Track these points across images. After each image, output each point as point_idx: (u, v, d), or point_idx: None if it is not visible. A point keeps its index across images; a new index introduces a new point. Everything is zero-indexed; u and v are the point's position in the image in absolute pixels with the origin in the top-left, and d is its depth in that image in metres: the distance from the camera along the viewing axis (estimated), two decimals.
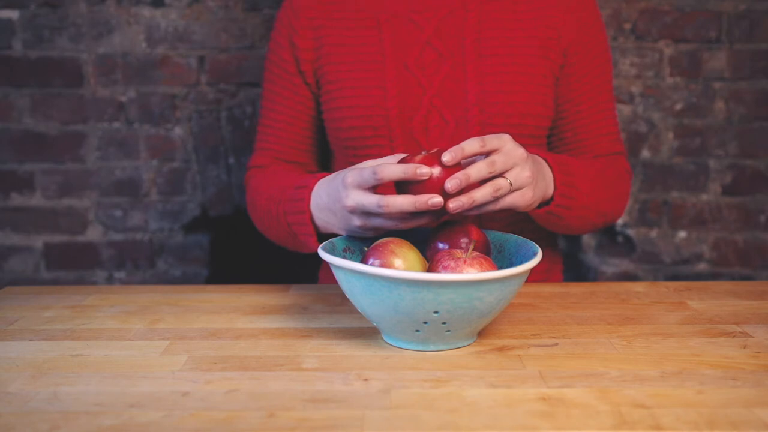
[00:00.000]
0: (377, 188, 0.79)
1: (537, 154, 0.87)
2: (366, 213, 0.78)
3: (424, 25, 1.00)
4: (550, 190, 0.88)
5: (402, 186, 0.76)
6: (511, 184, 0.77)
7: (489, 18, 1.01)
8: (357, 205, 0.77)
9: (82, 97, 1.50)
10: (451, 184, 0.73)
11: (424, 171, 0.73)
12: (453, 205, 0.73)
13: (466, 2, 1.01)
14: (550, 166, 0.88)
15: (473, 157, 0.78)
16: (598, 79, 1.05)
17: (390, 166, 0.74)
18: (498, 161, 0.76)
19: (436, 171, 0.74)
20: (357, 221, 0.79)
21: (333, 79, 1.02)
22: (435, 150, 0.77)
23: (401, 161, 0.77)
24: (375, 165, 0.77)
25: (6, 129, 1.51)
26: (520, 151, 0.77)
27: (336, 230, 0.85)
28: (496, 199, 0.77)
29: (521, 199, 0.79)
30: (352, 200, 0.77)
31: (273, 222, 0.96)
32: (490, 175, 0.75)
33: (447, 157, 0.74)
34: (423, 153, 0.76)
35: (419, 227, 0.90)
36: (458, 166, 0.76)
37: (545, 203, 0.89)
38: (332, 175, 0.85)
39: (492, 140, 0.76)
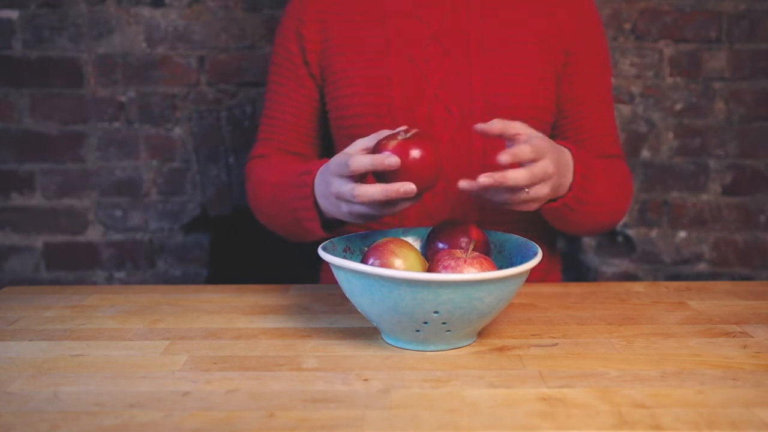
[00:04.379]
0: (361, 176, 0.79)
1: (563, 146, 0.88)
2: (347, 201, 0.78)
3: (429, 21, 1.01)
4: (565, 187, 0.88)
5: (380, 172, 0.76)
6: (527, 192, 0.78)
7: (492, 15, 1.02)
8: (338, 192, 0.78)
9: (82, 97, 1.50)
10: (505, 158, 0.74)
11: (392, 161, 0.73)
12: (484, 179, 0.73)
13: (469, 0, 1.02)
14: (573, 158, 0.89)
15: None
16: (599, 79, 1.06)
17: (359, 158, 0.74)
18: (538, 173, 0.77)
19: (416, 153, 0.74)
20: (344, 207, 0.80)
21: (338, 69, 1.03)
22: (413, 132, 0.76)
23: (377, 145, 0.76)
24: (348, 155, 0.77)
25: (6, 129, 1.51)
26: (551, 169, 0.78)
27: (337, 216, 0.85)
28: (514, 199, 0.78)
29: (526, 207, 0.81)
30: (335, 188, 0.78)
31: (277, 209, 0.97)
32: (527, 184, 0.76)
33: (505, 158, 0.74)
34: (401, 136, 0.75)
35: (419, 227, 0.90)
36: (434, 152, 0.75)
37: (561, 196, 0.89)
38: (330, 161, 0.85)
39: (537, 151, 0.77)
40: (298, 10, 1.07)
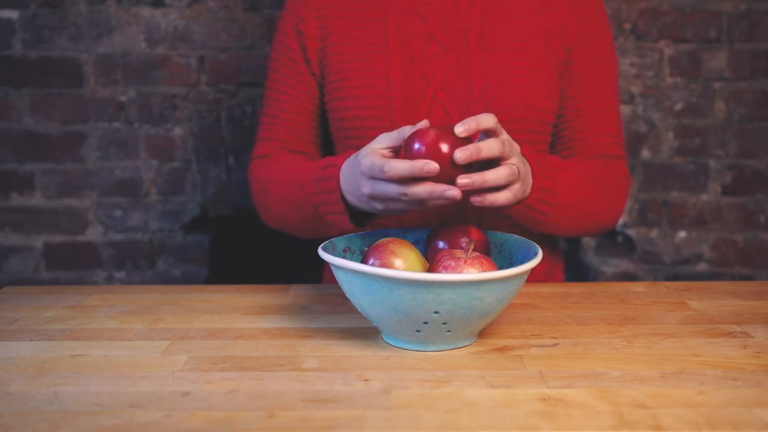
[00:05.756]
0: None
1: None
2: (374, 178, 0.77)
3: (430, 19, 1.01)
4: (529, 188, 0.86)
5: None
6: (518, 169, 0.77)
7: (493, 12, 1.01)
8: (369, 177, 0.77)
9: (82, 97, 1.50)
10: (461, 154, 0.72)
11: (431, 168, 0.72)
12: (462, 181, 0.73)
13: None
14: (529, 161, 0.87)
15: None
16: (600, 78, 1.04)
17: (398, 165, 0.74)
18: (506, 144, 0.76)
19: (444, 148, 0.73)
20: (378, 206, 0.79)
21: (337, 69, 1.03)
22: (445, 126, 0.76)
23: (415, 134, 0.75)
24: (384, 162, 0.76)
25: (6, 129, 1.51)
26: (516, 146, 0.78)
27: (365, 208, 0.83)
28: (508, 184, 0.77)
29: (503, 198, 0.78)
30: (366, 177, 0.77)
31: (293, 207, 0.96)
32: (501, 154, 0.75)
33: (460, 129, 0.73)
34: (432, 129, 0.75)
35: (419, 227, 0.90)
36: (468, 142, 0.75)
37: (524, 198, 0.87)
38: (353, 156, 0.83)
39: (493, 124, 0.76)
40: (299, 6, 1.06)
